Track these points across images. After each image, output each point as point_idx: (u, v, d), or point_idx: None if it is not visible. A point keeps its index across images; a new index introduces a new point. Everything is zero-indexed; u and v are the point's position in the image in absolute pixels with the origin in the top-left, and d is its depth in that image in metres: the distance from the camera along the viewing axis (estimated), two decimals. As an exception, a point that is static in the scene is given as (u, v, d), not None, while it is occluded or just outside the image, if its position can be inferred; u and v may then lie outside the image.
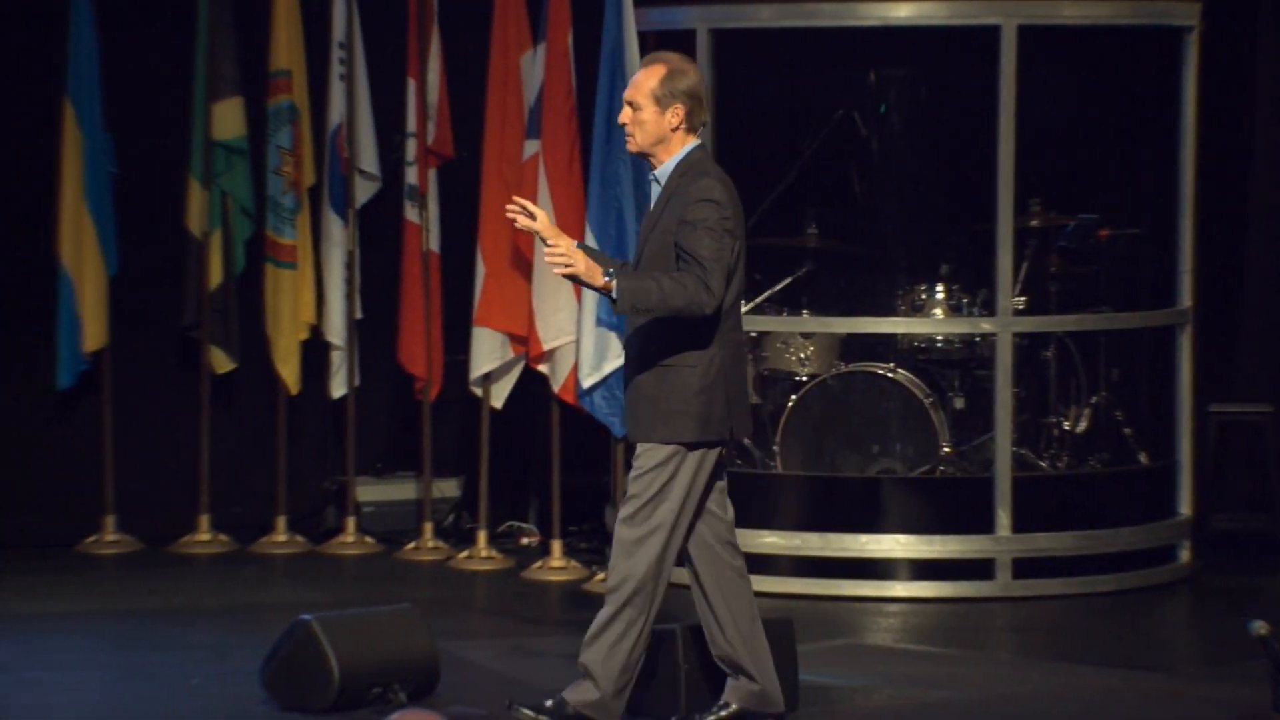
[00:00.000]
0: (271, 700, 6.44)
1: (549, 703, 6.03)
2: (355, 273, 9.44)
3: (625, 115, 5.95)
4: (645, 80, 5.91)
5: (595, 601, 8.30)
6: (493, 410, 9.14)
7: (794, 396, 8.68)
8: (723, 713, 6.06)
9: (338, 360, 9.49)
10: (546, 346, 8.73)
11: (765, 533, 8.45)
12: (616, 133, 8.36)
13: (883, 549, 8.42)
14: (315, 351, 9.53)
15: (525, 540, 9.55)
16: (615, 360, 8.40)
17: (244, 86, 9.33)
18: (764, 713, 6.09)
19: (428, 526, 9.38)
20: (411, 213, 9.33)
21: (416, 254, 9.31)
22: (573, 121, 8.70)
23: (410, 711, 5.91)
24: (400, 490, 9.79)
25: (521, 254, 8.82)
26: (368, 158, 9.41)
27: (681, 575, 6.13)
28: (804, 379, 8.74)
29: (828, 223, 8.97)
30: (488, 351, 9.02)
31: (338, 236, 9.43)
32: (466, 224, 9.19)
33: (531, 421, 9.41)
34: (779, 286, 8.88)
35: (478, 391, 9.13)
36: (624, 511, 5.95)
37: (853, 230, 9.03)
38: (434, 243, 9.34)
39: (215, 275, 9.36)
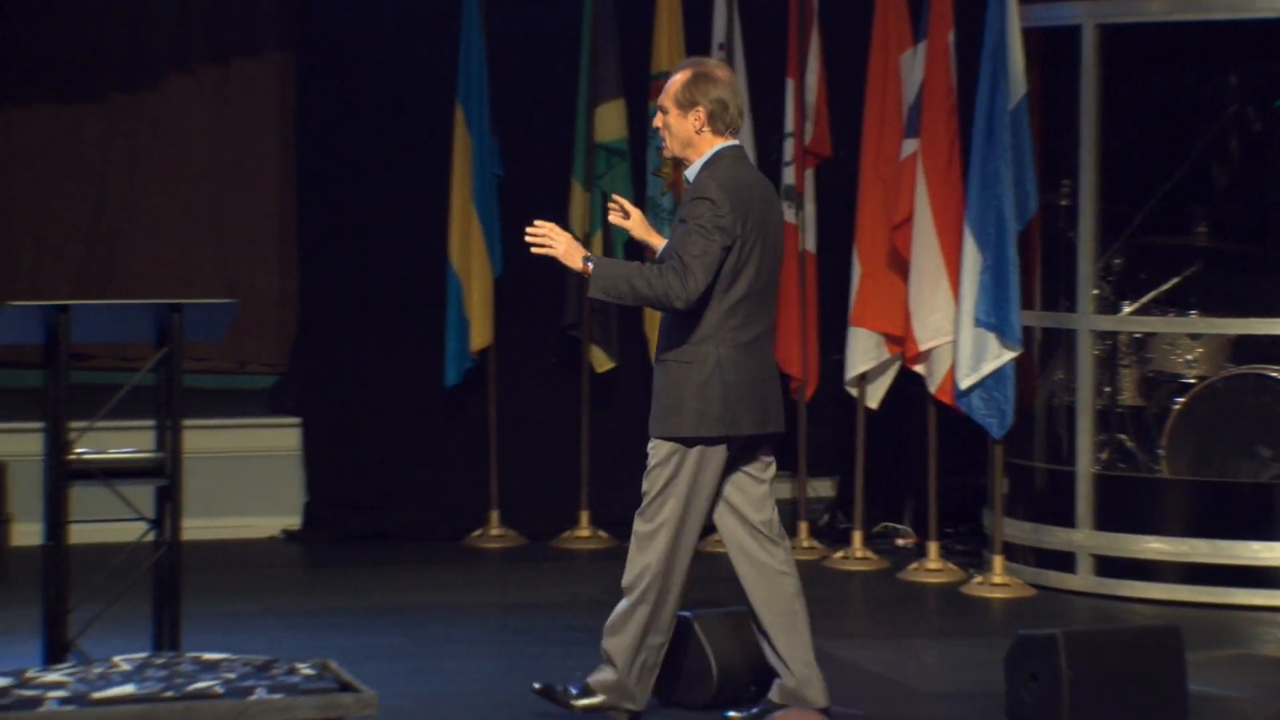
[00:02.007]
0: (651, 695, 6.51)
1: (573, 687, 6.16)
2: (731, 272, 9.49)
3: (658, 120, 6.09)
4: (673, 85, 6.04)
5: (974, 605, 8.29)
6: (868, 410, 9.11)
7: (1181, 399, 8.45)
8: (754, 709, 6.14)
9: (714, 360, 9.55)
10: (923, 347, 8.66)
11: (1150, 538, 8.24)
12: (997, 131, 8.27)
13: (1276, 557, 8.14)
14: (693, 350, 9.61)
15: (901, 541, 9.50)
16: (994, 361, 8.31)
17: (626, 89, 9.47)
18: (800, 705, 6.09)
19: (803, 526, 9.39)
20: (788, 213, 9.34)
21: (793, 254, 9.32)
22: (953, 120, 8.62)
23: (791, 711, 5.94)
24: (775, 489, 9.79)
25: (898, 254, 8.77)
26: (745, 157, 9.45)
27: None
28: (1191, 381, 8.51)
29: (1218, 221, 8.71)
30: (864, 351, 8.99)
31: (716, 236, 9.49)
32: (843, 224, 9.18)
33: (907, 422, 9.34)
34: (1166, 286, 8.66)
35: (853, 391, 9.11)
36: (640, 507, 6.03)
37: (1245, 228, 8.76)
38: (810, 243, 9.35)
39: (596, 275, 9.51)
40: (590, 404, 9.66)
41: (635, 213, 6.15)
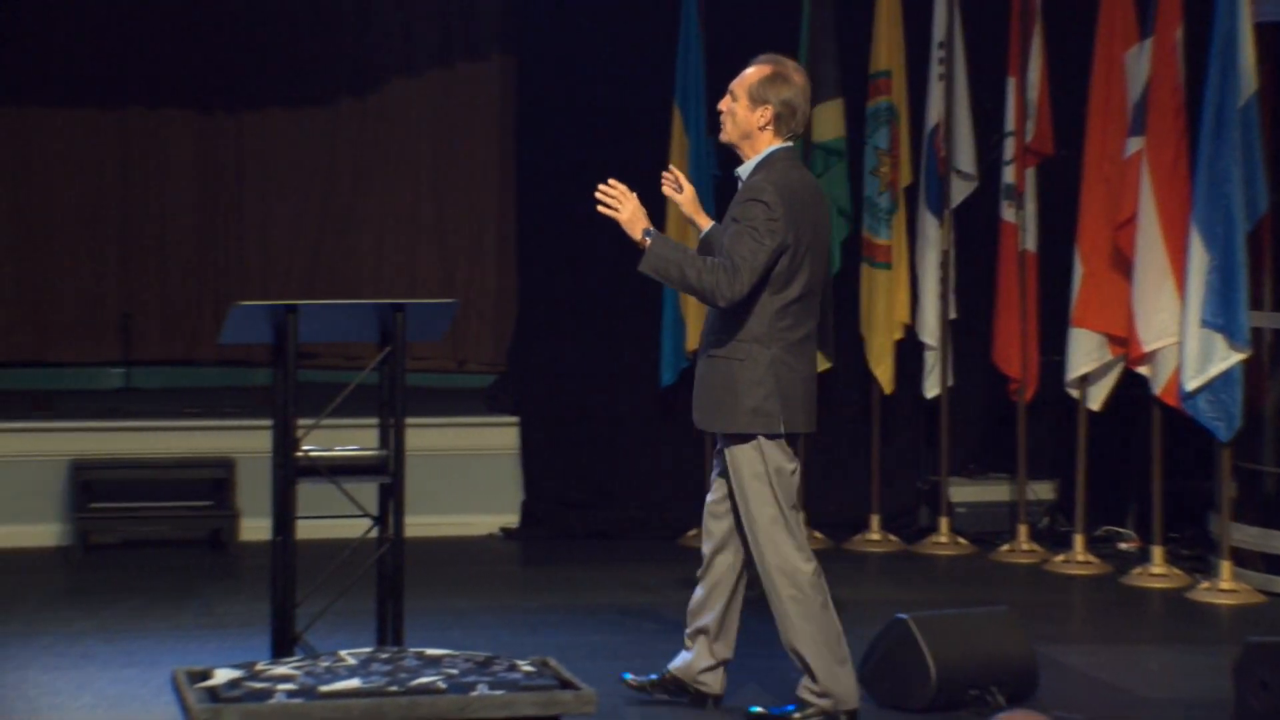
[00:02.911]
0: (869, 697, 6.47)
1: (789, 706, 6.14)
2: (950, 272, 9.42)
3: (724, 103, 6.08)
4: (750, 75, 6.05)
5: (1200, 611, 8.12)
6: (1090, 412, 8.96)
7: None
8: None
9: (931, 360, 9.50)
10: (1147, 348, 8.50)
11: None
12: (1226, 128, 8.09)
13: None
14: (909, 351, 9.56)
15: (1123, 545, 9.34)
16: (1221, 363, 8.14)
17: (844, 88, 9.43)
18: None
19: (1022, 529, 9.28)
20: (1009, 212, 9.24)
21: (1013, 253, 9.23)
22: (1180, 117, 8.44)
23: (1015, 713, 5.87)
24: (994, 491, 9.72)
25: (1121, 253, 8.61)
26: (965, 157, 9.38)
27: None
28: None
29: None
30: (1085, 352, 8.85)
31: (933, 236, 9.43)
32: (1065, 223, 9.05)
33: (1130, 424, 9.18)
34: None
35: (1074, 393, 8.97)
36: (745, 516, 6.07)
37: None
38: (1031, 242, 9.23)
39: (813, 275, 9.48)
40: (806, 404, 9.61)
41: (689, 188, 6.20)
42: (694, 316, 9.48)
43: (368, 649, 5.37)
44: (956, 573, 9.04)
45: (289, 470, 5.87)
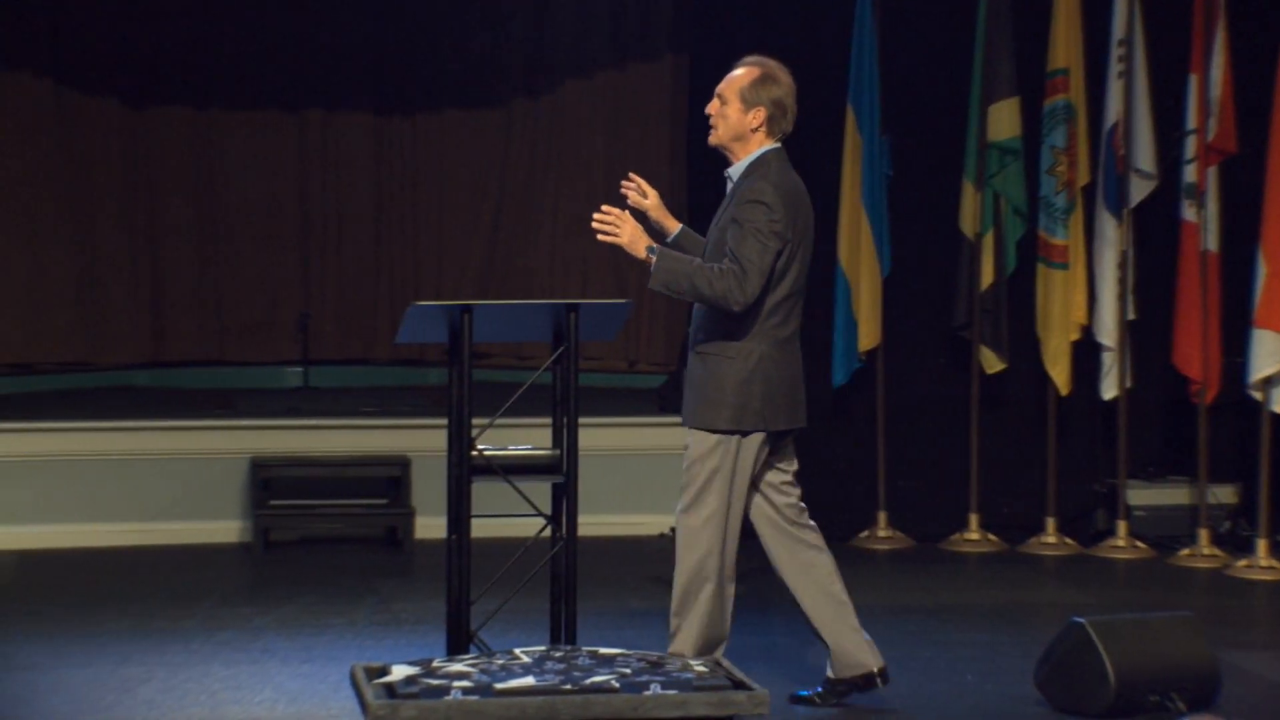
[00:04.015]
0: (1045, 701, 6.40)
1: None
2: (1129, 273, 9.28)
3: (713, 107, 6.11)
4: (739, 78, 6.10)
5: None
6: (1273, 415, 8.79)
7: None
8: (820, 689, 6.31)
9: (1109, 361, 9.37)
10: (1332, 350, 8.33)
11: None
12: None
13: None
14: (1086, 352, 9.44)
15: (1308, 551, 9.16)
16: None
17: (1020, 87, 9.32)
18: (852, 680, 6.27)
19: (1203, 533, 9.12)
20: (1189, 211, 9.09)
21: (1194, 253, 9.07)
22: (1367, 114, 8.26)
23: (1201, 716, 5.77)
24: (1173, 495, 9.57)
25: (1306, 253, 8.45)
26: (1144, 156, 9.23)
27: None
28: None
29: None
30: (1268, 354, 8.69)
31: (1111, 236, 9.30)
32: (1247, 222, 8.88)
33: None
34: None
35: (1257, 395, 8.80)
36: (682, 501, 6.09)
37: None
38: (1212, 242, 9.07)
39: (987, 275, 9.40)
40: (980, 405, 9.53)
41: (652, 193, 6.26)
42: (866, 316, 9.44)
43: (541, 647, 5.40)
44: (1135, 577, 8.91)
45: (464, 469, 5.91)
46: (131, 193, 11.87)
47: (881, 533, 9.59)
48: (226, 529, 9.48)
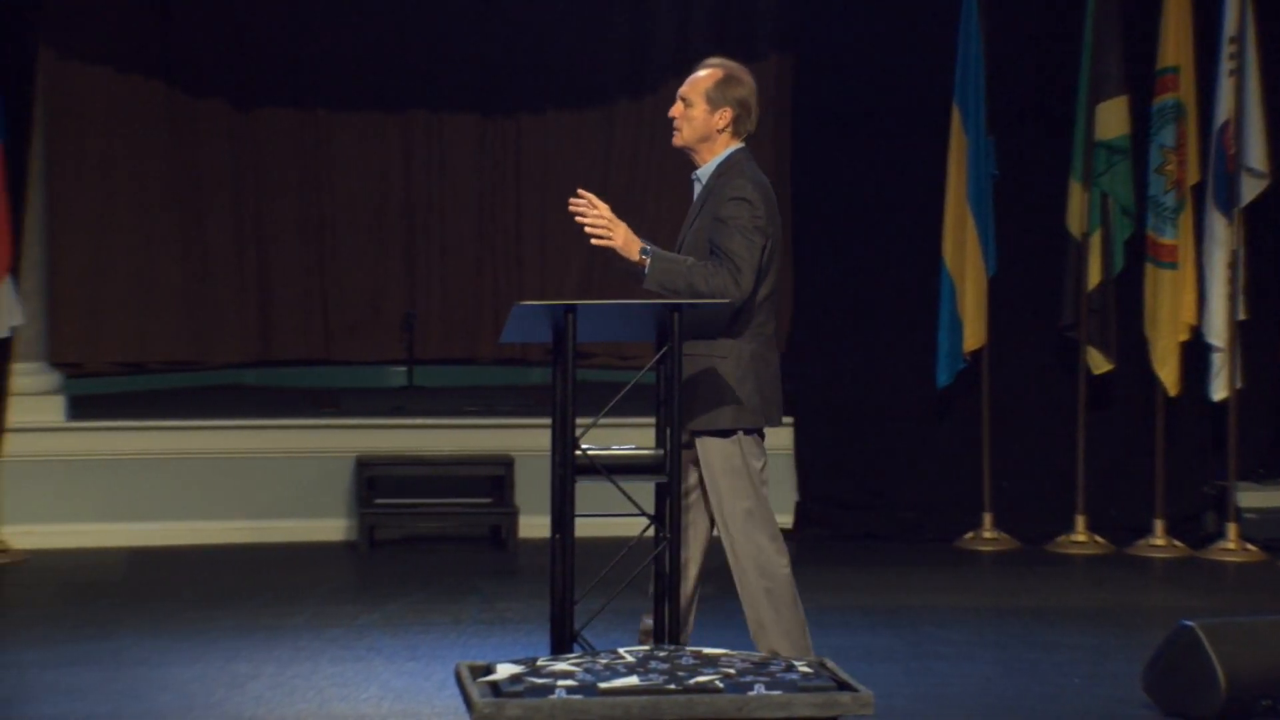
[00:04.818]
0: (1153, 705, 6.33)
1: None
2: (1239, 272, 9.18)
3: (676, 109, 6.06)
4: (702, 80, 6.05)
5: None
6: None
7: None
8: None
9: (1219, 362, 9.27)
10: None
11: None
12: None
13: None
14: (1196, 353, 9.34)
15: None
16: None
17: (1128, 85, 9.24)
18: None
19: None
20: (1295, 210, 8.99)
21: (1305, 253, 8.97)
22: None
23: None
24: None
25: None
26: (1256, 154, 9.13)
27: None
28: None
29: None
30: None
31: (1222, 235, 9.20)
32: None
33: None
34: None
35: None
36: (719, 516, 6.01)
37: None
38: (1323, 241, 8.96)
39: (1094, 275, 9.32)
40: (1087, 406, 9.45)
41: (602, 205, 6.09)
42: (971, 316, 9.38)
43: (645, 647, 5.39)
44: (1245, 580, 8.81)
45: (568, 469, 5.91)
46: (239, 194, 11.99)
47: (987, 534, 9.53)
48: (332, 527, 9.55)
